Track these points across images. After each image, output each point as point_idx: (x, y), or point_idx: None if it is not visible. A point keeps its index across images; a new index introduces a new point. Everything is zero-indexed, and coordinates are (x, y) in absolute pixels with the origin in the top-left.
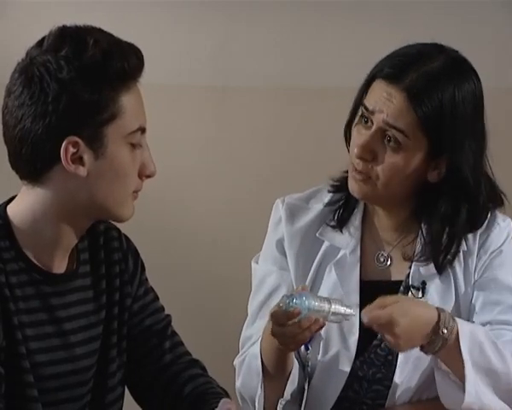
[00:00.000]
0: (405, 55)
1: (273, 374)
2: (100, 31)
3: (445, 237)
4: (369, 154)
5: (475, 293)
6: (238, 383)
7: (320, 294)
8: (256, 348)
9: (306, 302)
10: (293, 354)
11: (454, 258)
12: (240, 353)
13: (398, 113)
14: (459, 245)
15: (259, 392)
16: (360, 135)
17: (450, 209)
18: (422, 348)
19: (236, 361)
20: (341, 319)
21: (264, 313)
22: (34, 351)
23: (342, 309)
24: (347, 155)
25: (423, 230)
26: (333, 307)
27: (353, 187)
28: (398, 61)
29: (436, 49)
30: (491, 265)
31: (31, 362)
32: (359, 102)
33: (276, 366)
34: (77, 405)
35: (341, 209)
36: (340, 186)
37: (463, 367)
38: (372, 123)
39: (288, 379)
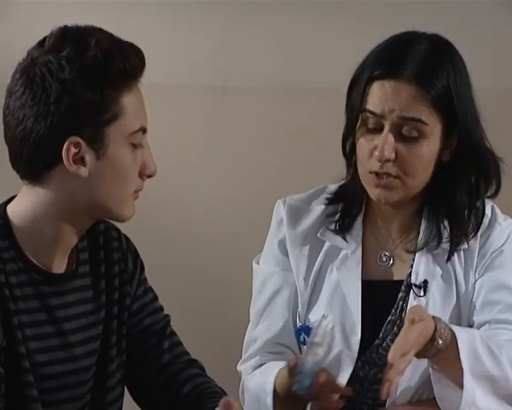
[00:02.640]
0: (389, 48)
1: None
2: (101, 31)
3: (466, 211)
4: (392, 153)
5: (475, 292)
6: (244, 405)
7: (322, 294)
8: (269, 386)
9: (309, 379)
10: None
11: (478, 229)
12: (244, 357)
13: (410, 103)
14: (483, 213)
15: None
16: (372, 142)
17: (468, 181)
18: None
19: (240, 368)
20: (333, 335)
21: (267, 315)
22: (34, 351)
23: (323, 330)
24: None
25: (425, 222)
26: (324, 344)
27: (380, 195)
28: (389, 57)
29: (413, 34)
30: (491, 264)
31: (30, 362)
32: (359, 110)
33: None
34: (76, 405)
35: (341, 219)
36: (336, 199)
37: (461, 376)
38: (382, 125)
39: None
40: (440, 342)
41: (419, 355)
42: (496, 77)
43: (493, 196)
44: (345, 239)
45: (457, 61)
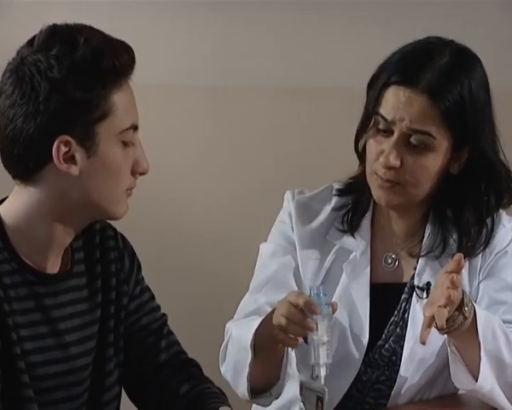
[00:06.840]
0: (411, 55)
1: (263, 358)
2: (91, 29)
3: (475, 224)
4: (397, 161)
5: (480, 293)
6: (223, 366)
7: (330, 296)
8: (250, 335)
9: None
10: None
11: (488, 242)
12: (237, 316)
13: (421, 116)
14: (493, 226)
15: (248, 370)
16: (380, 144)
17: (477, 196)
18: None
19: (228, 324)
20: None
21: (269, 288)
22: (29, 351)
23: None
24: (347, 155)
25: (429, 230)
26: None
27: (381, 197)
28: (407, 64)
29: (439, 43)
30: (496, 265)
31: (26, 362)
32: (372, 112)
33: (267, 352)
34: (73, 404)
35: (350, 214)
36: (346, 191)
37: (478, 351)
38: (392, 130)
39: (280, 367)
40: (466, 309)
41: (446, 325)
42: (496, 77)
43: (506, 207)
44: (353, 236)
45: (478, 77)
